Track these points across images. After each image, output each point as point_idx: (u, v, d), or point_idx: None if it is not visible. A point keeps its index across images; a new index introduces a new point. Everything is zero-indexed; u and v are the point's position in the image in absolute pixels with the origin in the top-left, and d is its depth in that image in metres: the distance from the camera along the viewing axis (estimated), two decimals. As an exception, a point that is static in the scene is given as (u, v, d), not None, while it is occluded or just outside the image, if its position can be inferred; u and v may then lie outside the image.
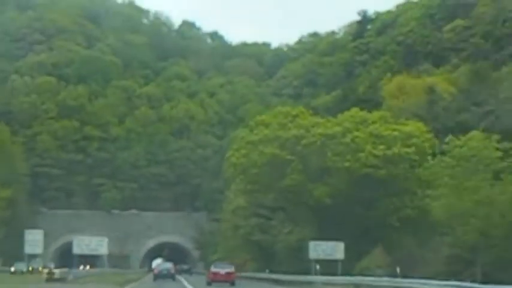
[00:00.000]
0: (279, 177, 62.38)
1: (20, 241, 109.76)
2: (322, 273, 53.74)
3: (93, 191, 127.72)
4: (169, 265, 75.16)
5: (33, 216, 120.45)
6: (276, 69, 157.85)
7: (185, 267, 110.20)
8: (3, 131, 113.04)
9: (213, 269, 57.83)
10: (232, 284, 56.24)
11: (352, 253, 54.73)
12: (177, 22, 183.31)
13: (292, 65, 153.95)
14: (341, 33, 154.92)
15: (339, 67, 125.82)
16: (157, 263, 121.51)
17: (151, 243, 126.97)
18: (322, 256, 55.45)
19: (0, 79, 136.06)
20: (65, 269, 66.28)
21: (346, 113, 63.72)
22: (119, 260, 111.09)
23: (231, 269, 57.82)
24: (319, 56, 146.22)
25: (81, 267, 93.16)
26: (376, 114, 62.96)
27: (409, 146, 58.02)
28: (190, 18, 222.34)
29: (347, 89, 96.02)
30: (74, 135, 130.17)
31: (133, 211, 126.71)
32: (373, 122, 60.72)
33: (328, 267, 54.18)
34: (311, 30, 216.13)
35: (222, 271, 57.12)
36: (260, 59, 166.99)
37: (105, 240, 75.39)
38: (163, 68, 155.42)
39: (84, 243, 73.98)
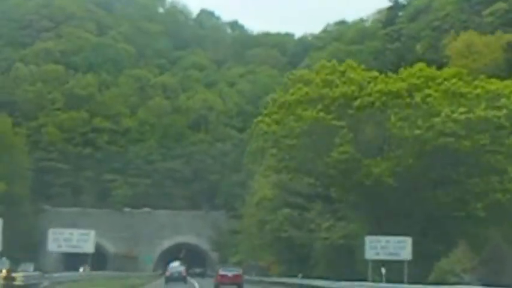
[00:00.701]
0: (323, 151, 48.23)
1: (20, 241, 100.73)
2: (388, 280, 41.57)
3: (102, 188, 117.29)
4: (181, 268, 75.54)
5: (35, 214, 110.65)
6: (300, 58, 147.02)
7: (198, 270, 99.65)
8: (5, 121, 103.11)
9: (220, 272, 58.52)
10: (240, 286, 56.65)
11: (421, 252, 42.37)
12: (195, 11, 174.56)
13: (317, 54, 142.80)
14: (369, 21, 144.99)
15: (369, 55, 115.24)
16: (173, 265, 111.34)
17: (165, 244, 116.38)
18: (382, 256, 43.79)
19: (4, 68, 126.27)
20: (35, 273, 53.65)
21: (409, 69, 48.95)
22: (127, 262, 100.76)
23: (239, 272, 58.70)
24: (346, 44, 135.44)
25: (81, 269, 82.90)
26: (448, 71, 49.12)
27: (498, 109, 44.49)
28: (209, 7, 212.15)
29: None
30: (82, 127, 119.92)
31: (146, 209, 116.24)
32: (446, 79, 46.59)
33: (389, 270, 42.54)
34: (336, 19, 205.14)
35: (230, 274, 57.65)
36: (283, 48, 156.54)
37: (92, 233, 62.55)
38: (180, 57, 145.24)
39: (63, 238, 59.63)
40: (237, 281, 57.01)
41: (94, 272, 79.26)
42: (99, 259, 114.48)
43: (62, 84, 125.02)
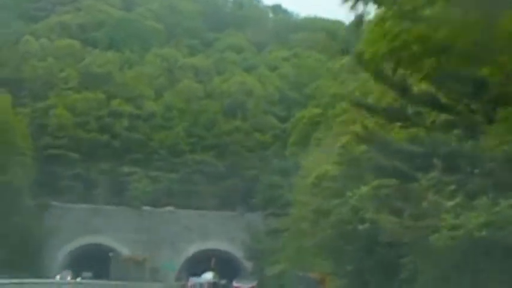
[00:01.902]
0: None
1: (18, 241, 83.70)
2: None
3: (119, 182, 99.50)
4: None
5: (39, 210, 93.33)
6: (353, 44, 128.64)
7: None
8: (3, 99, 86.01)
9: (235, 284, 60.14)
10: None
11: None
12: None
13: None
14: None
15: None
16: (205, 278, 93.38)
17: (191, 250, 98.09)
18: None
19: (11, 42, 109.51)
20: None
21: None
22: (135, 268, 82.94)
23: (253, 284, 61.99)
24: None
25: (58, 276, 65.99)
26: None
27: None
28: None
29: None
30: (98, 111, 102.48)
31: (169, 208, 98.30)
32: None
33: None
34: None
35: (245, 286, 59.82)
36: (333, 34, 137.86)
37: None
38: (216, 39, 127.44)
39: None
40: None
41: (85, 281, 61.26)
42: (108, 265, 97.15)
43: (78, 61, 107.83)
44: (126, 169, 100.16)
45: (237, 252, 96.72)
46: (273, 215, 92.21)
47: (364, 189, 36.67)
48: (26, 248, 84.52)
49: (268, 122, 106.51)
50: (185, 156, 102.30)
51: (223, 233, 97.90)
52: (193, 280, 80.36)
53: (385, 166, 32.15)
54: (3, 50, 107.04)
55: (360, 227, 36.17)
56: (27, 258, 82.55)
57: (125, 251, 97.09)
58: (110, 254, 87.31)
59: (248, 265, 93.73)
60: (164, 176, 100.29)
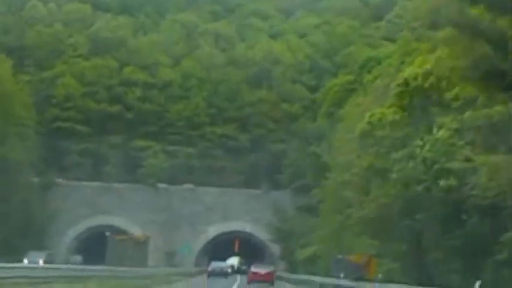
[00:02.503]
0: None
1: (20, 222, 75.03)
2: None
3: (132, 157, 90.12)
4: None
5: (43, 188, 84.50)
6: (386, 10, 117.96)
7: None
8: (2, 64, 76.92)
9: (253, 269, 60.15)
10: (272, 284, 57.27)
11: None
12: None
13: (410, 3, 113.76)
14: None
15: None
16: (231, 262, 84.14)
17: (211, 231, 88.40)
18: None
19: (16, 7, 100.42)
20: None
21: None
22: (134, 250, 73.42)
23: (271, 269, 60.96)
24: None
25: (40, 261, 57.06)
26: None
27: None
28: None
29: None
30: (109, 79, 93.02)
31: (188, 186, 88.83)
32: None
33: None
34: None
35: (262, 271, 59.38)
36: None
37: None
38: (239, 4, 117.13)
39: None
40: (268, 278, 58.01)
41: (67, 266, 52.11)
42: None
43: (87, 27, 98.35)
44: (139, 143, 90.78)
45: (262, 234, 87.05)
46: (302, 191, 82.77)
47: (441, 132, 26.51)
48: (27, 229, 75.58)
49: (296, 92, 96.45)
50: (205, 129, 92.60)
51: (247, 213, 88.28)
52: (214, 265, 70.85)
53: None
54: (7, 16, 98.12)
55: (442, 182, 25.83)
56: (27, 240, 73.59)
57: (137, 232, 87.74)
58: (107, 234, 77.57)
59: (275, 248, 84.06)
60: (182, 151, 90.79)
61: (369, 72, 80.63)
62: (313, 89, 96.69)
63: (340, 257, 44.49)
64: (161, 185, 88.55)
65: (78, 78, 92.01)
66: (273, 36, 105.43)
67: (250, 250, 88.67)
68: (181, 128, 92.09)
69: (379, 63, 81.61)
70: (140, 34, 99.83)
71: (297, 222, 78.50)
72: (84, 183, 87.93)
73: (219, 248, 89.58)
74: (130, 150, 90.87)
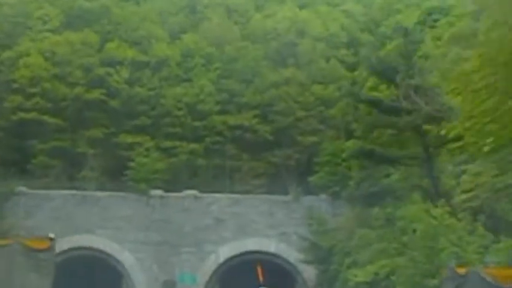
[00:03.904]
0: None
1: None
2: None
3: (117, 157, 68.45)
4: None
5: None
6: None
7: None
8: None
9: None
10: None
11: None
12: None
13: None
14: None
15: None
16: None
17: (223, 252, 65.73)
18: None
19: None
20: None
21: None
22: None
23: None
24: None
25: None
26: None
27: None
28: None
29: None
30: (88, 58, 70.93)
31: (191, 193, 66.48)
32: None
33: None
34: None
35: None
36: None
37: None
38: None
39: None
40: None
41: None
42: (108, 276, 66.08)
43: (62, -4, 77.03)
44: (127, 139, 68.80)
45: (292, 254, 64.35)
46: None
47: None
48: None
49: (331, 71, 74.07)
50: (212, 119, 70.41)
51: (270, 227, 65.70)
52: None
53: None
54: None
55: None
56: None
57: (125, 256, 65.57)
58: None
59: (310, 272, 61.25)
60: (182, 147, 68.71)
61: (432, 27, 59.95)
62: (352, 67, 74.53)
63: (470, 270, 21.90)
64: (155, 192, 66.39)
65: (47, 57, 70.45)
66: (300, 7, 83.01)
67: (276, 277, 65.91)
68: (181, 118, 70.02)
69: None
70: (128, 3, 78.05)
71: (342, 235, 56.35)
72: (54, 192, 66.00)
73: (234, 275, 67.11)
74: (114, 148, 69.07)
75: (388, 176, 53.03)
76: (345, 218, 60.12)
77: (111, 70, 70.73)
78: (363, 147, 55.16)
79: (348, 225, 57.56)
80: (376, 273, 40.83)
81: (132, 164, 66.85)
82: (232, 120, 70.62)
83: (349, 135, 66.65)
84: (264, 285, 66.28)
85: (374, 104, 54.45)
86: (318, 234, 58.67)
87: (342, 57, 75.96)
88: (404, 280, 33.86)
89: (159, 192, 66.48)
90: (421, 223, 35.22)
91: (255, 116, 71.22)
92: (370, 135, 56.73)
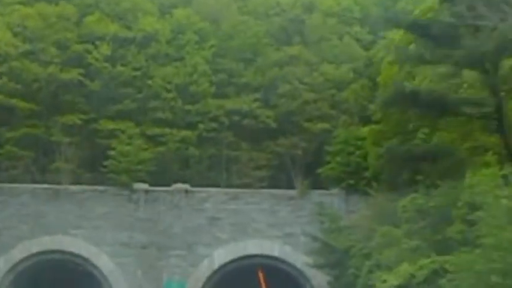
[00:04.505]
0: None
1: None
2: None
3: (96, 146, 59.16)
4: None
5: None
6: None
7: None
8: None
9: None
10: None
11: None
12: None
13: None
14: None
15: None
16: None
17: (218, 256, 56.07)
18: None
19: None
20: None
21: None
22: None
23: None
24: None
25: None
26: None
27: None
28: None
29: None
30: (64, 32, 60.63)
31: (182, 187, 56.98)
32: None
33: None
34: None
35: None
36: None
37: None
38: None
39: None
40: None
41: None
42: (84, 284, 56.70)
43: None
44: (107, 125, 59.35)
45: (299, 257, 54.83)
46: (360, 189, 52.38)
47: None
48: None
49: (344, 49, 64.61)
50: (207, 103, 60.89)
51: (273, 227, 56.21)
52: None
53: None
54: None
55: None
56: None
57: (104, 261, 56.10)
58: None
59: (320, 279, 51.71)
60: (172, 135, 59.26)
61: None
62: (368, 45, 65.26)
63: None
64: (139, 186, 56.98)
65: (16, 32, 61.12)
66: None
67: (280, 285, 56.32)
68: (171, 101, 60.59)
69: None
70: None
71: (359, 234, 46.96)
72: (23, 185, 56.90)
73: (231, 284, 57.83)
74: (93, 137, 59.76)
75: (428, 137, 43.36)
76: (362, 214, 50.77)
77: (90, 47, 61.30)
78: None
79: (366, 222, 48.14)
80: (413, 275, 31.43)
81: (113, 153, 57.43)
82: (229, 104, 61.10)
83: (365, 121, 57.62)
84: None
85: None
86: (331, 234, 48.99)
87: (355, 34, 66.38)
88: (471, 282, 24.49)
89: (144, 186, 57.07)
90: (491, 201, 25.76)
91: (255, 100, 61.72)
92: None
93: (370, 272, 39.59)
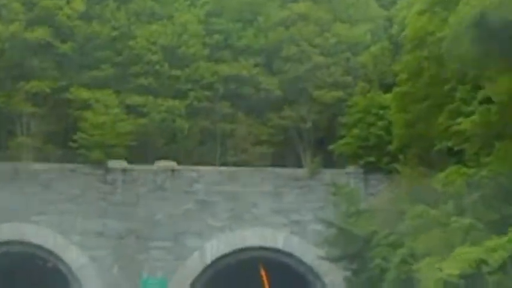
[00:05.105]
0: None
1: None
2: None
3: (65, 116, 49.74)
4: None
5: None
6: None
7: None
8: None
9: None
10: None
11: None
12: None
13: None
14: None
15: None
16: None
17: (210, 250, 46.48)
18: None
19: None
20: None
21: None
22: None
23: None
24: None
25: None
26: None
27: None
28: None
29: None
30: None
31: (166, 164, 47.41)
32: None
33: None
34: None
35: None
36: None
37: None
38: None
39: None
40: None
41: None
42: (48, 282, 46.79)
43: None
44: (81, 94, 49.73)
45: (308, 250, 45.31)
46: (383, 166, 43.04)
47: None
48: None
49: (360, 8, 55.16)
50: (199, 68, 51.52)
51: (277, 213, 46.64)
52: None
53: None
54: None
55: None
56: None
57: (73, 254, 46.56)
58: None
59: (334, 275, 42.21)
60: (157, 105, 49.80)
61: None
62: (387, 5, 55.89)
63: None
64: (116, 164, 47.47)
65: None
66: None
67: (285, 283, 46.78)
68: (155, 65, 51.14)
69: None
70: None
71: (385, 217, 37.44)
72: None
73: (227, 282, 48.31)
74: (64, 107, 50.29)
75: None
76: (385, 197, 41.29)
77: (61, 2, 51.71)
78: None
79: (391, 205, 38.65)
80: (483, 261, 22.08)
81: (84, 124, 47.93)
82: (225, 69, 51.62)
83: (386, 89, 48.22)
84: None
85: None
86: (349, 219, 39.34)
87: (372, -11, 56.89)
88: None
89: (121, 163, 47.53)
90: None
91: (256, 65, 52.34)
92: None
93: (404, 262, 30.03)
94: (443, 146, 37.99)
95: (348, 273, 38.93)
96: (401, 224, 35.28)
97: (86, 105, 49.54)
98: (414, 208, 34.33)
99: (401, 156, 41.37)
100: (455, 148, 36.74)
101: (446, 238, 27.02)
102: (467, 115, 35.90)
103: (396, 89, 44.04)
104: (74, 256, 46.45)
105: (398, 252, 30.85)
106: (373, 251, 35.40)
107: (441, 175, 34.13)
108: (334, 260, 39.81)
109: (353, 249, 37.34)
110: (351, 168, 46.79)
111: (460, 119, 35.87)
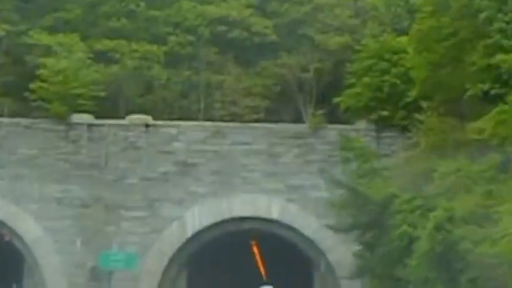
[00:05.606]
0: None
1: None
2: None
3: (22, 66, 42.07)
4: None
5: None
6: None
7: None
8: None
9: None
10: None
11: None
12: None
13: None
14: None
15: None
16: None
17: (192, 220, 39.11)
18: None
19: None
20: None
21: None
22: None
23: None
24: None
25: None
26: None
27: None
28: None
29: None
30: None
31: (140, 118, 39.76)
32: None
33: None
34: None
35: None
36: None
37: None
38: None
39: None
40: None
41: None
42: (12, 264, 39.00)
43: None
44: (42, 39, 42.30)
45: (307, 220, 37.92)
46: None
47: None
48: None
49: None
50: (181, 8, 44.46)
51: (272, 176, 39.07)
52: None
53: None
54: None
55: None
56: None
57: (28, 226, 39.08)
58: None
59: (341, 251, 34.91)
60: (131, 50, 42.34)
61: None
62: None
63: None
64: (80, 118, 39.86)
65: None
66: None
67: (281, 261, 39.46)
68: (130, 4, 43.87)
69: None
70: None
71: (405, 177, 30.02)
72: None
73: (212, 259, 40.91)
74: (20, 53, 42.81)
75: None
76: (404, 156, 33.91)
77: None
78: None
79: (412, 164, 31.25)
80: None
81: (43, 72, 40.32)
82: (212, 10, 44.29)
83: (399, 33, 40.93)
84: (266, 283, 40.24)
85: None
86: (361, 179, 31.83)
87: None
88: None
89: (87, 117, 39.89)
90: None
91: (248, 5, 44.83)
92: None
93: (439, 229, 22.60)
94: (477, 90, 30.75)
95: (360, 247, 31.47)
96: (428, 185, 27.93)
97: (47, 52, 41.95)
98: (446, 164, 26.95)
99: (424, 105, 33.87)
100: (493, 92, 29.85)
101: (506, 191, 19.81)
102: (508, 50, 29.15)
103: (416, 27, 36.53)
104: (28, 228, 38.93)
105: (433, 216, 23.42)
106: (393, 219, 27.93)
107: (478, 123, 26.89)
108: (342, 230, 32.26)
109: (367, 217, 29.84)
110: (360, 124, 39.19)
111: (498, 56, 29.18)
